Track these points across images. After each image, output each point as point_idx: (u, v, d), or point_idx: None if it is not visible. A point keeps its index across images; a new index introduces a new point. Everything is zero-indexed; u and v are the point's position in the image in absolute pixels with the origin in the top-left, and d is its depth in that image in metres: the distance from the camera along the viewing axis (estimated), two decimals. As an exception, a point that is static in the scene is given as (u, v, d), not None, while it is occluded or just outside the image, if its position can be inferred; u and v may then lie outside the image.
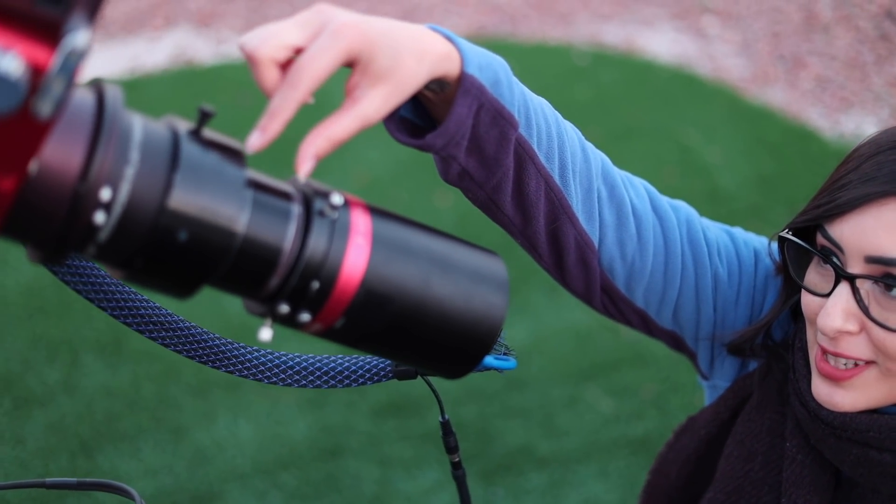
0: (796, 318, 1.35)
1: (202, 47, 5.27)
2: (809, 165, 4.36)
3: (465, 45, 1.07)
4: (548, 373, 3.14)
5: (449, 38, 1.06)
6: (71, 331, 3.15)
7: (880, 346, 1.17)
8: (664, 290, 1.37)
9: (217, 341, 1.14)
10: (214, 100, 4.71)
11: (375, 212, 0.94)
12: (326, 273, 0.89)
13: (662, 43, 5.46)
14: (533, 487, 2.80)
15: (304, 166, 0.95)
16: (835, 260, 1.19)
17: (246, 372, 1.16)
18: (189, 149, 0.83)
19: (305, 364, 1.19)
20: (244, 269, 0.88)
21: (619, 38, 5.50)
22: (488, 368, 1.12)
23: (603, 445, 2.90)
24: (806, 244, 1.23)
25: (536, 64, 5.16)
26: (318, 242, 0.89)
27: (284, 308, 0.90)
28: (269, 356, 1.17)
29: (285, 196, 0.90)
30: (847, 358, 1.19)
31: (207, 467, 2.79)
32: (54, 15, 0.68)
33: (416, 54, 1.00)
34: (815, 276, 1.23)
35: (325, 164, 4.17)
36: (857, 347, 1.18)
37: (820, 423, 1.25)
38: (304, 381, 1.19)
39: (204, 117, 0.86)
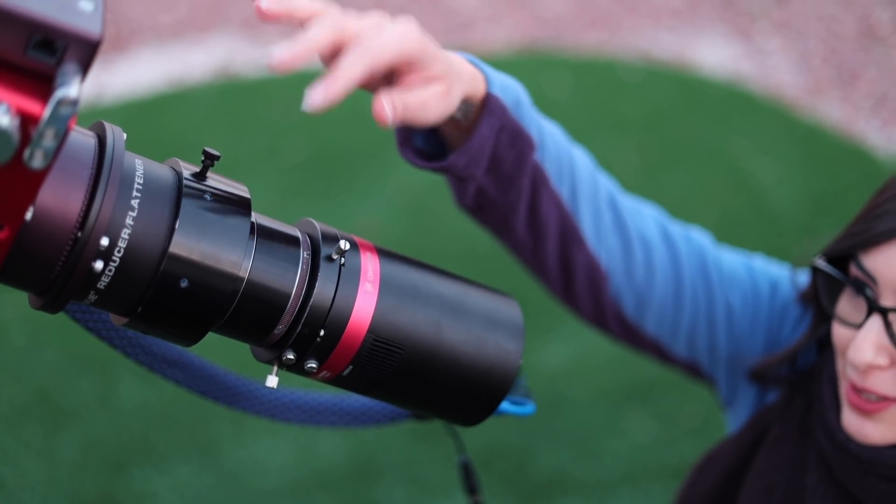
0: (822, 348, 1.32)
1: (249, 54, 5.28)
2: (864, 184, 4.27)
3: (487, 67, 1.09)
4: (587, 395, 3.10)
5: (470, 61, 1.07)
6: (106, 346, 3.16)
7: None
8: (675, 319, 1.35)
9: (230, 379, 1.12)
10: (259, 116, 4.70)
11: (385, 255, 0.91)
12: (333, 320, 0.86)
13: (715, 57, 5.39)
14: (571, 512, 2.77)
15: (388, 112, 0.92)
16: (867, 291, 1.16)
17: (261, 408, 1.14)
18: (191, 194, 0.81)
19: (323, 402, 1.17)
20: (249, 316, 0.85)
21: (670, 52, 5.45)
22: (505, 414, 1.09)
23: (643, 470, 2.86)
24: (839, 272, 1.20)
25: (586, 78, 5.12)
26: (324, 289, 0.86)
27: (290, 356, 0.87)
28: (284, 394, 1.15)
29: (292, 241, 0.87)
30: (874, 394, 1.16)
31: (241, 486, 2.78)
32: (46, 65, 0.66)
33: (458, 71, 1.02)
34: (848, 306, 1.20)
35: (364, 186, 4.16)
36: (885, 384, 1.16)
37: (847, 456, 1.22)
38: (321, 419, 1.17)
39: (208, 160, 0.84)
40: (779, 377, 1.35)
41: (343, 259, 0.87)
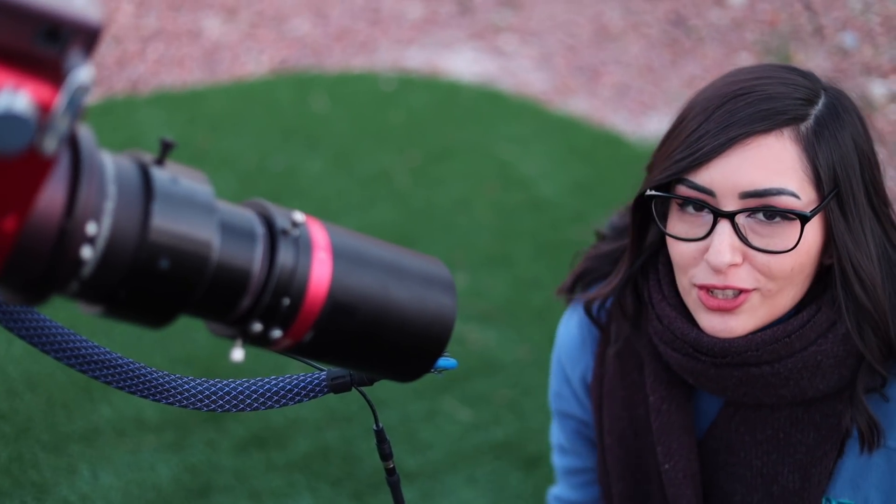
0: (635, 283, 1.51)
1: None
2: (621, 168, 4.55)
3: None
4: (403, 389, 3.19)
5: None
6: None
7: (764, 271, 1.33)
8: None
9: (155, 375, 1.15)
10: None
11: (329, 226, 0.98)
12: (296, 288, 0.92)
13: (464, 64, 5.59)
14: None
15: None
16: (707, 203, 1.33)
17: (185, 402, 1.17)
18: (160, 178, 0.85)
19: (242, 388, 1.21)
20: (219, 291, 0.90)
21: (421, 62, 5.62)
22: (435, 369, 1.16)
23: (467, 454, 2.96)
24: (675, 195, 1.37)
25: (345, 92, 5.22)
26: (285, 260, 0.92)
27: (257, 327, 0.93)
28: (205, 385, 1.19)
29: (247, 218, 0.93)
30: (734, 289, 1.33)
31: (74, 523, 2.72)
32: (53, 53, 0.70)
33: None
34: (684, 225, 1.37)
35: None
36: (741, 278, 1.33)
37: (699, 357, 1.40)
38: (242, 406, 1.21)
39: (166, 148, 0.88)
40: (610, 313, 1.56)
41: (297, 231, 0.93)
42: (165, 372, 1.16)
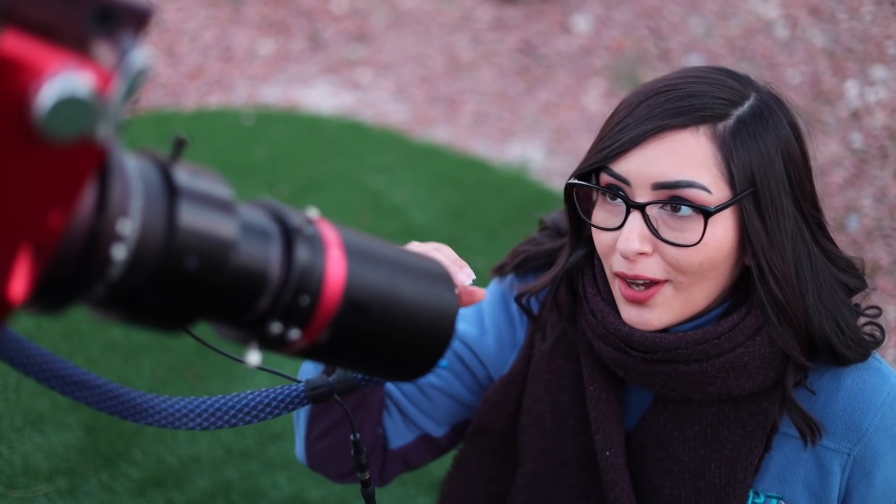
0: (572, 278, 1.54)
1: None
2: (490, 192, 4.61)
3: None
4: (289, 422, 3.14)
5: None
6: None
7: (673, 263, 1.37)
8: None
9: (132, 395, 1.11)
10: None
11: (337, 224, 0.96)
12: (314, 287, 0.91)
13: (321, 97, 5.59)
14: (313, 534, 2.80)
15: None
16: (622, 193, 1.38)
17: (164, 421, 1.14)
18: (181, 176, 0.83)
19: (219, 405, 1.19)
20: (240, 291, 0.87)
21: (277, 97, 5.59)
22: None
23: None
24: (594, 183, 1.42)
25: (205, 129, 5.14)
26: (303, 257, 0.90)
27: (277, 327, 0.90)
28: (182, 403, 1.15)
29: (260, 216, 0.91)
30: (644, 279, 1.38)
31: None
32: (106, 35, 0.67)
33: None
34: (605, 214, 1.42)
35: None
36: (651, 268, 1.38)
37: (631, 352, 1.43)
38: (221, 423, 1.19)
39: (179, 145, 0.85)
40: (541, 309, 1.59)
41: (311, 229, 0.92)
42: (142, 392, 1.12)
